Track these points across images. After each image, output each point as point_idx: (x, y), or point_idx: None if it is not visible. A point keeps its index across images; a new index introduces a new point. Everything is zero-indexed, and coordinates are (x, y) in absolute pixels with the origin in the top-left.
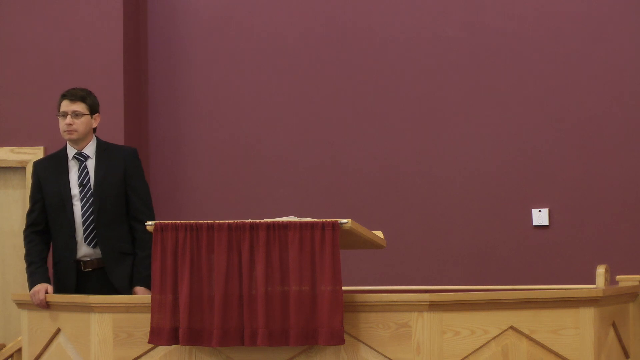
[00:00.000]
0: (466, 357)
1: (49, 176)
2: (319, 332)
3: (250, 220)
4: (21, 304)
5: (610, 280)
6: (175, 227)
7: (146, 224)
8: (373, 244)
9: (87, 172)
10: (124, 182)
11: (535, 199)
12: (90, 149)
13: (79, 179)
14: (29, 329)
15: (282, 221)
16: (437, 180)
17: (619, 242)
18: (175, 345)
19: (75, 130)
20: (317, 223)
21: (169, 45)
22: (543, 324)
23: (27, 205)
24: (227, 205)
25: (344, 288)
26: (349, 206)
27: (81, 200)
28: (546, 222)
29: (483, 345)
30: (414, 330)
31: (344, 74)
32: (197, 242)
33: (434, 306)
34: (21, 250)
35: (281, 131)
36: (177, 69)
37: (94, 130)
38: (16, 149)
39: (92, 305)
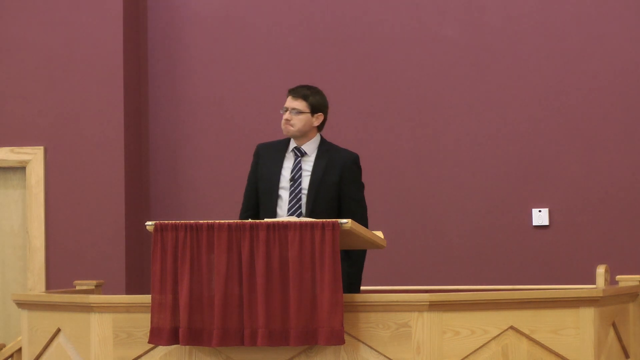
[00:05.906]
0: (466, 357)
1: (266, 161)
2: (319, 332)
3: (250, 220)
4: (21, 304)
5: (610, 280)
6: (175, 227)
7: (146, 224)
8: (373, 244)
9: (301, 167)
10: (338, 187)
11: (535, 199)
12: (310, 147)
13: (291, 173)
14: (29, 329)
15: (282, 221)
16: (437, 180)
17: (619, 242)
18: (175, 345)
19: (291, 126)
20: (317, 223)
21: (169, 45)
22: (543, 324)
23: (27, 206)
24: (227, 205)
25: None
26: None
27: (290, 194)
28: (546, 222)
29: (483, 345)
30: (414, 330)
31: (344, 74)
32: (197, 242)
33: (434, 306)
34: (21, 250)
35: (281, 131)
36: (177, 69)
37: (319, 129)
38: (16, 149)
39: (92, 305)
